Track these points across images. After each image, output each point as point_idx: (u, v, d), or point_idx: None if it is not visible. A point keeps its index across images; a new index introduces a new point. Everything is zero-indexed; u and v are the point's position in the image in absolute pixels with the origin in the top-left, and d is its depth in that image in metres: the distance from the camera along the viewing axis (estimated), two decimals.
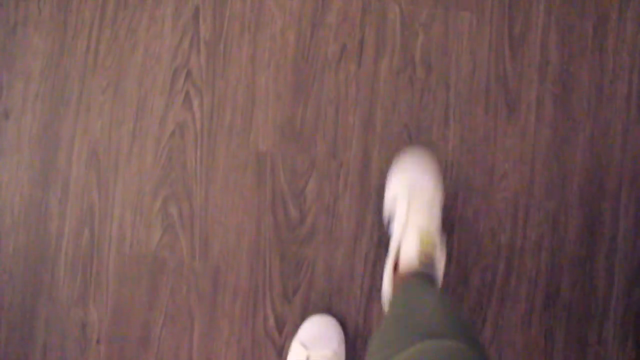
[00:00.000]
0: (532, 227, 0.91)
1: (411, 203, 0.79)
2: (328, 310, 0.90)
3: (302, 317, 0.90)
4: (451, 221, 0.91)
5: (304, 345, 0.84)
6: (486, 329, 0.89)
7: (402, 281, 0.72)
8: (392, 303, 0.68)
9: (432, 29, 0.94)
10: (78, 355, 0.93)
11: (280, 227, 0.91)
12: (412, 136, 0.92)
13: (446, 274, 0.90)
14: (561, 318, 0.89)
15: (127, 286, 0.93)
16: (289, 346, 0.90)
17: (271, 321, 0.90)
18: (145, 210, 0.93)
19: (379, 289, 0.90)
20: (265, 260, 0.91)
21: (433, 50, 0.94)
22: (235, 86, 0.94)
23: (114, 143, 0.95)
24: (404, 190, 0.81)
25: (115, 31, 0.97)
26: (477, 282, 0.90)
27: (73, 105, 0.96)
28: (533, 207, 0.91)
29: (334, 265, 0.91)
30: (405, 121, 0.93)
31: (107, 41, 0.97)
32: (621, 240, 0.90)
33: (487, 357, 0.52)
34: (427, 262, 0.73)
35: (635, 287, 0.89)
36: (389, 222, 0.85)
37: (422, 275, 0.71)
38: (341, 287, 0.90)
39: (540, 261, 0.90)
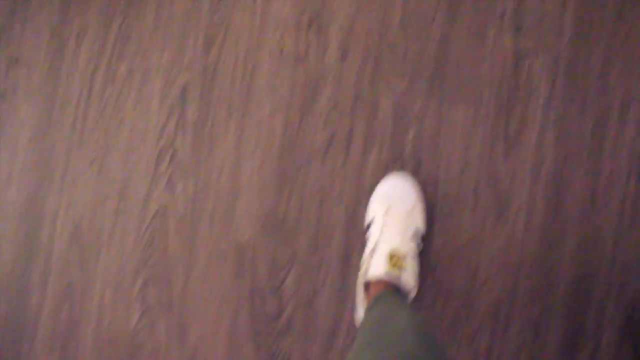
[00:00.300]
0: (512, 335, 0.89)
1: (384, 228, 0.81)
2: None
3: None
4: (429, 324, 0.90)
5: None
6: None
7: (373, 298, 0.74)
8: (363, 322, 0.69)
9: (425, 122, 0.91)
10: None
11: (257, 318, 0.91)
12: None
13: None
14: None
15: None
16: None
17: None
18: (125, 291, 0.93)
19: None
20: (241, 350, 0.91)
21: (424, 144, 0.91)
22: (219, 171, 0.93)
23: (97, 220, 0.95)
24: (380, 214, 0.83)
25: (103, 105, 0.96)
26: None
27: (58, 178, 0.96)
28: (515, 314, 0.89)
29: None
30: None
31: (94, 115, 0.96)
32: (604, 353, 0.88)
33: None
34: (395, 281, 0.76)
35: None
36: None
37: (392, 291, 0.73)
38: None
39: None
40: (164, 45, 0.96)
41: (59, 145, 0.96)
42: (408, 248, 0.80)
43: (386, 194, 0.86)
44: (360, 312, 0.83)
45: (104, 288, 0.94)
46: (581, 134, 0.90)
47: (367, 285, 0.81)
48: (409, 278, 0.76)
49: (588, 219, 0.90)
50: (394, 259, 0.77)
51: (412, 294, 0.78)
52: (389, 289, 0.74)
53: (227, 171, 0.93)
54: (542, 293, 0.90)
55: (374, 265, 0.77)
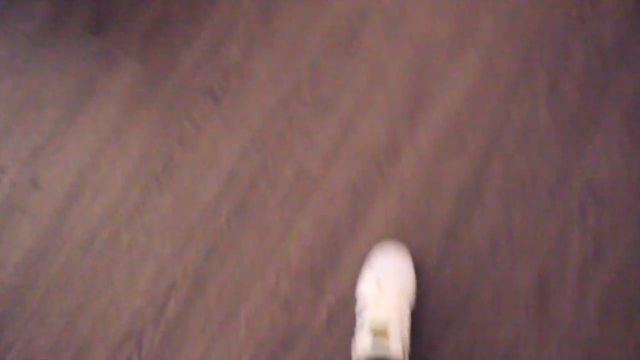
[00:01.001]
0: None
1: (375, 301, 0.80)
2: None
3: None
4: None
5: None
6: None
7: None
8: None
9: None
10: None
11: None
12: None
13: None
14: None
15: None
16: None
17: None
18: None
19: None
20: None
21: None
22: None
23: None
24: (371, 287, 0.83)
25: (94, 265, 0.97)
26: None
27: (29, 312, 0.98)
28: None
29: None
30: None
31: (83, 268, 0.98)
32: None
33: None
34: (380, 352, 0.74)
35: None
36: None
37: None
38: None
39: None
40: (169, 235, 0.96)
41: (41, 281, 0.98)
42: (393, 328, 0.77)
43: (374, 280, 0.85)
44: None
45: None
46: None
47: None
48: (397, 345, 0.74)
49: None
50: (376, 346, 0.75)
51: None
52: None
53: None
54: None
55: (359, 349, 0.77)
